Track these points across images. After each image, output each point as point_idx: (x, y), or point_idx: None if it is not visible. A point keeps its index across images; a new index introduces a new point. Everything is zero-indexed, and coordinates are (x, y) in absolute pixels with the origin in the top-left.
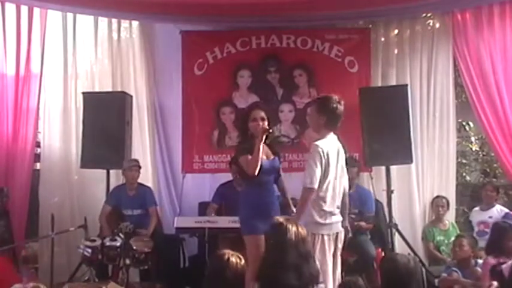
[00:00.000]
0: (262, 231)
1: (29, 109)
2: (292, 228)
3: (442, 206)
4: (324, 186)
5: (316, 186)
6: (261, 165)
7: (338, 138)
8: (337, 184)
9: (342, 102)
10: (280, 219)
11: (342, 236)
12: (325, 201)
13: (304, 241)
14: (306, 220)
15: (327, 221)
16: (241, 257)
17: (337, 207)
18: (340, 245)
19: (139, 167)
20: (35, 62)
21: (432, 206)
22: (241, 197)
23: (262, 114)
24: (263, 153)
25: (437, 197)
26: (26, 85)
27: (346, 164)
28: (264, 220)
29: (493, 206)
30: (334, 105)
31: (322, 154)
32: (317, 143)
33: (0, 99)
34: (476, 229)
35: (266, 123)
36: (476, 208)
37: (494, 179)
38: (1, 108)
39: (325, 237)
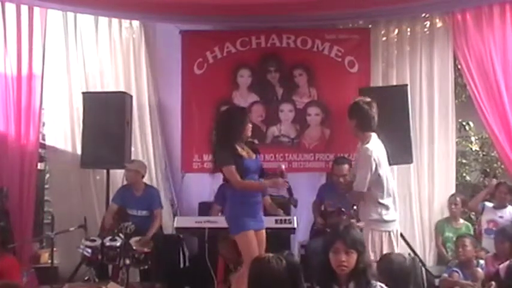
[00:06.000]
0: (252, 228)
1: (31, 109)
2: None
3: (456, 204)
4: (383, 185)
5: (365, 189)
6: (248, 166)
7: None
8: (390, 183)
9: (373, 104)
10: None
11: (398, 234)
12: (383, 199)
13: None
14: (368, 219)
15: (390, 218)
16: (282, 258)
17: (394, 203)
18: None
19: (137, 171)
20: (36, 62)
21: (448, 204)
22: (229, 197)
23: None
24: (245, 153)
25: (453, 195)
26: (28, 85)
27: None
28: (252, 217)
29: (506, 206)
30: (362, 107)
31: (372, 156)
32: (367, 146)
33: (2, 99)
34: (485, 226)
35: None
36: (490, 204)
37: (494, 179)
38: (3, 108)
39: (392, 234)
